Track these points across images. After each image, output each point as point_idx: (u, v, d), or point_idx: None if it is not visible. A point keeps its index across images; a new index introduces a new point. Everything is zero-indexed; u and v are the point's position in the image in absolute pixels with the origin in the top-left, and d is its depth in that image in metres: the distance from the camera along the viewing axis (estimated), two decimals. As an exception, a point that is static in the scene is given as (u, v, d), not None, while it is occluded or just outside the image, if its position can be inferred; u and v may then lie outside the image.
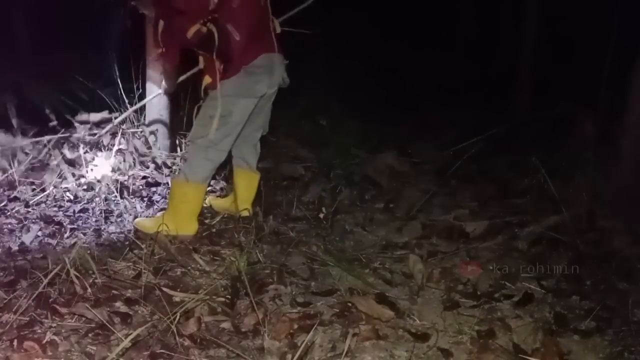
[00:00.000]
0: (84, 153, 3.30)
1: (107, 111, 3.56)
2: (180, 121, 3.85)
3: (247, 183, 3.00)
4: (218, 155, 2.74)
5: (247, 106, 2.71)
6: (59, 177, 3.13)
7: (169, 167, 3.45)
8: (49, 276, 2.12)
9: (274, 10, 2.78)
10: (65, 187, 3.09)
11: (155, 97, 3.52)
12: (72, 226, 2.78)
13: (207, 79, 2.67)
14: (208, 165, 2.74)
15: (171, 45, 2.67)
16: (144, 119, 3.62)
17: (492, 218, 3.16)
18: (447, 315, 2.24)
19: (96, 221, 2.84)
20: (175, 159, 3.57)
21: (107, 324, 1.98)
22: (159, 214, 2.91)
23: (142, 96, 3.59)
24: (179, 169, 2.90)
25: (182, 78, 3.11)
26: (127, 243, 2.67)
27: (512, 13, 5.91)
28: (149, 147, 3.50)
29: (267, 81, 2.71)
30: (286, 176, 3.68)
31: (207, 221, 2.98)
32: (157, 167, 3.42)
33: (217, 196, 3.26)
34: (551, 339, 2.07)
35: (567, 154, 3.79)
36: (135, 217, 2.88)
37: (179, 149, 3.69)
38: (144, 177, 3.29)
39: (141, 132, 3.53)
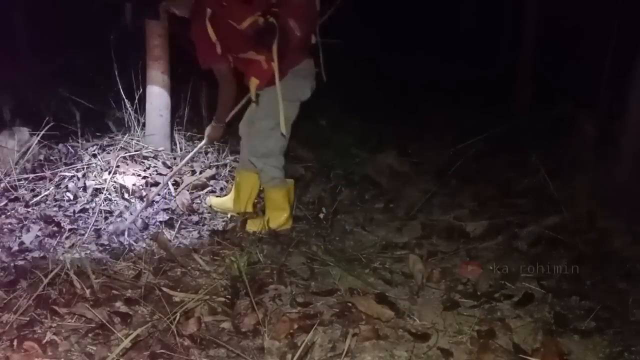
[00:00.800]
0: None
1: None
2: (180, 121, 3.87)
3: (249, 183, 3.02)
4: (283, 156, 2.88)
5: (296, 109, 2.78)
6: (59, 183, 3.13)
7: (169, 167, 3.45)
8: (49, 276, 2.12)
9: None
10: (65, 187, 3.09)
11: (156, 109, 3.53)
12: (72, 226, 2.78)
13: (254, 81, 2.63)
14: (281, 165, 2.88)
15: (218, 39, 2.60)
16: (144, 118, 3.62)
17: (492, 218, 3.16)
18: (447, 315, 2.23)
19: (96, 221, 2.84)
20: (175, 158, 3.57)
21: (107, 324, 1.98)
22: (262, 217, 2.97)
23: (143, 98, 3.59)
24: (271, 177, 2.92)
25: (234, 111, 2.96)
26: (127, 243, 2.68)
27: (512, 13, 5.91)
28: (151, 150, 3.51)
29: (309, 85, 2.77)
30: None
31: (207, 221, 2.99)
32: (157, 168, 3.42)
33: (217, 196, 3.26)
34: (551, 339, 2.07)
35: (567, 154, 3.79)
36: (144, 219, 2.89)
37: (178, 149, 3.69)
38: (144, 177, 3.29)
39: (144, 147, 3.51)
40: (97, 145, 3.53)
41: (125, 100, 3.62)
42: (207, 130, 2.97)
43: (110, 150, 3.46)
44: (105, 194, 3.02)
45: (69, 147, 3.47)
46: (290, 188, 3.00)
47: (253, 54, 2.62)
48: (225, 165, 3.61)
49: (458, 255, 2.76)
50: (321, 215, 3.13)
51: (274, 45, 2.52)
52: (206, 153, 3.72)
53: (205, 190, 3.31)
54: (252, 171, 2.98)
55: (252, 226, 2.90)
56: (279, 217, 2.91)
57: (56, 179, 3.13)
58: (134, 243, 2.69)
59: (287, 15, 2.54)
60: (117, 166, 3.27)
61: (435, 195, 3.47)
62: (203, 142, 3.03)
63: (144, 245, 2.67)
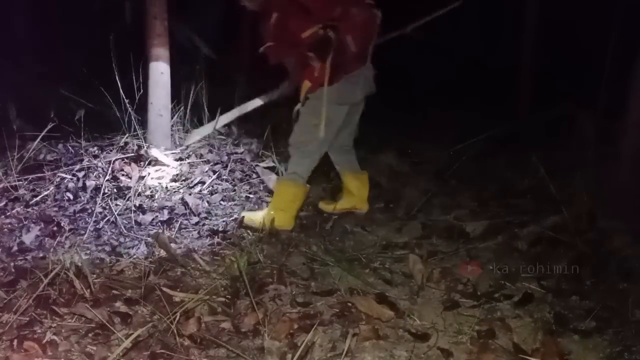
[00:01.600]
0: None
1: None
2: (180, 120, 3.86)
3: (359, 183, 3.18)
4: (317, 158, 2.94)
5: (343, 112, 2.84)
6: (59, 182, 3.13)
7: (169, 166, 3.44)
8: (49, 276, 2.12)
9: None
10: (65, 187, 3.08)
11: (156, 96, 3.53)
12: (72, 226, 2.77)
13: (306, 84, 2.73)
14: (311, 167, 2.94)
15: (279, 42, 2.68)
16: (144, 118, 3.62)
17: (492, 218, 3.16)
18: (447, 315, 2.23)
19: (96, 221, 2.84)
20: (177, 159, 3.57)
21: (107, 324, 1.98)
22: (264, 210, 2.99)
23: (143, 97, 3.59)
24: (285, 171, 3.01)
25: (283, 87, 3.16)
26: (127, 243, 2.68)
27: (512, 13, 5.91)
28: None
29: (362, 89, 2.84)
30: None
31: (208, 221, 2.99)
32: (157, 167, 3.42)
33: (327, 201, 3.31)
34: (551, 339, 2.07)
35: (567, 154, 3.79)
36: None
37: (178, 148, 3.69)
38: (142, 177, 3.28)
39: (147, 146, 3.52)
40: (97, 145, 3.53)
41: (126, 100, 3.62)
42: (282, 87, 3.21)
43: (110, 150, 3.46)
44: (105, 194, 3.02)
45: (69, 147, 3.47)
46: (305, 191, 2.99)
47: (311, 54, 2.69)
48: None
49: (458, 255, 2.76)
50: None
51: (328, 59, 2.62)
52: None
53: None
54: (356, 172, 3.19)
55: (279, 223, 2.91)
56: (280, 216, 2.90)
57: (56, 179, 3.13)
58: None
59: (346, 31, 2.61)
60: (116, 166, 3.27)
61: (435, 195, 3.47)
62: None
63: (144, 245, 2.67)
